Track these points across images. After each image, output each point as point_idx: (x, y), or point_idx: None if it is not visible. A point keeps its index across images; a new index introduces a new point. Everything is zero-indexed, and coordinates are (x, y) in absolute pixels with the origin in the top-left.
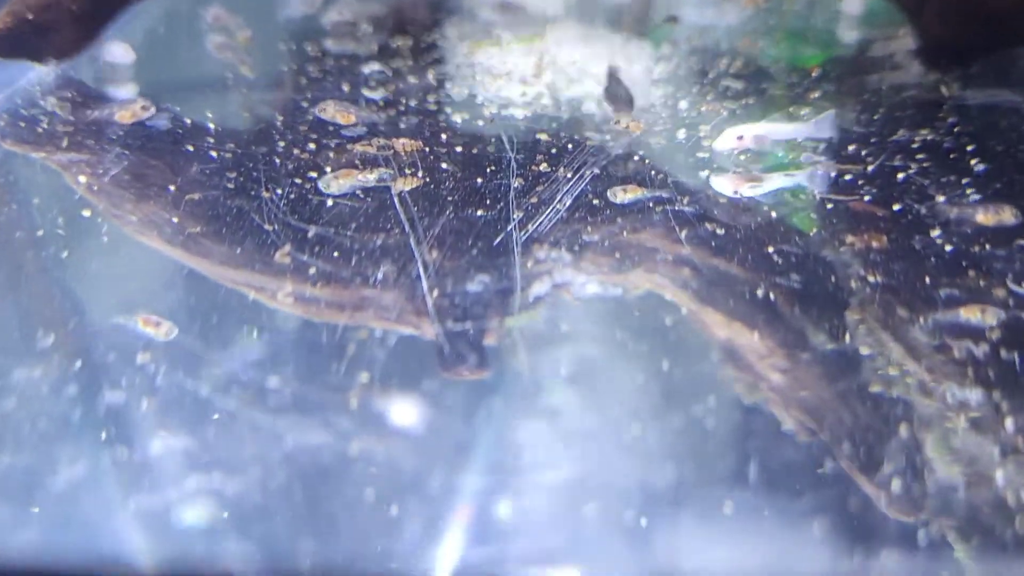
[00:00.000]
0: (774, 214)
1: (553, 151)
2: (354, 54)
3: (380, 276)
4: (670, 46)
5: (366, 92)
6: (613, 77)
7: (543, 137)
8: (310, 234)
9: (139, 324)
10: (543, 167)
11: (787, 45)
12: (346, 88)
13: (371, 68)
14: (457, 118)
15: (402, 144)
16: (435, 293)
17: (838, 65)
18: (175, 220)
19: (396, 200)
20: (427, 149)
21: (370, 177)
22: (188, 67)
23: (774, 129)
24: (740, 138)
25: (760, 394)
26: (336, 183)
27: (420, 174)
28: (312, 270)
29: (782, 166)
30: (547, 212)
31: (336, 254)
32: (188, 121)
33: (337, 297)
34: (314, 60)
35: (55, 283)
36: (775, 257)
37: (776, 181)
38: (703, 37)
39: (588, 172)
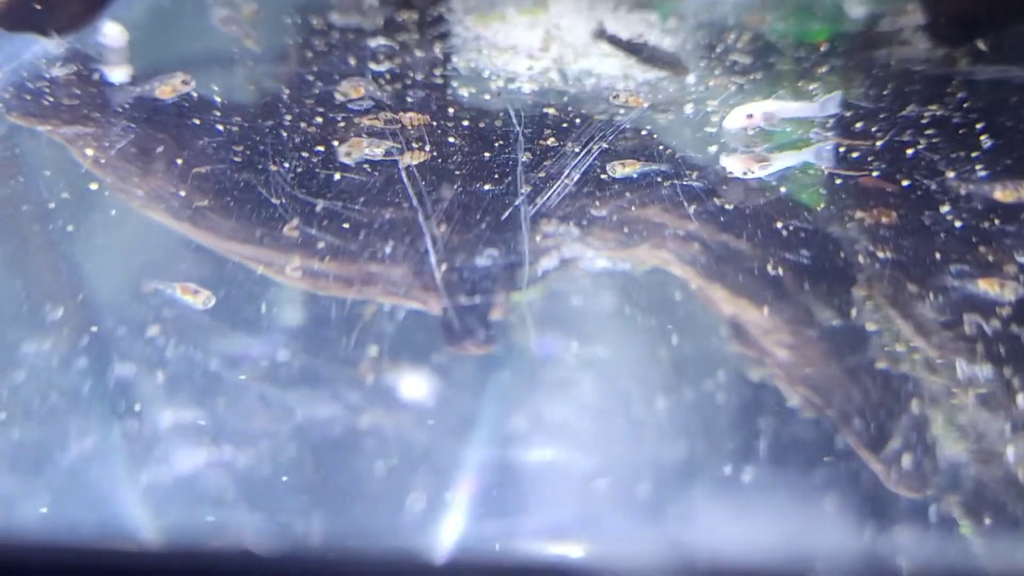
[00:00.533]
0: (783, 190)
1: (564, 125)
2: (360, 27)
3: (388, 251)
4: (676, 19)
5: (372, 66)
6: (645, 46)
7: (550, 111)
8: (318, 208)
9: (177, 292)
10: (551, 141)
11: (795, 20)
12: (352, 62)
13: (377, 42)
14: (464, 92)
15: (409, 118)
16: (443, 267)
17: (846, 40)
18: (182, 194)
19: (404, 174)
20: (434, 123)
21: (377, 151)
22: (193, 40)
23: (782, 107)
24: (750, 116)
25: (766, 370)
26: (354, 151)
27: (427, 148)
28: (320, 244)
29: (790, 144)
30: (555, 187)
31: (345, 227)
32: (194, 94)
33: (345, 272)
34: (320, 34)
35: (61, 256)
36: (783, 233)
37: (784, 160)
38: (710, 11)
39: (596, 147)
